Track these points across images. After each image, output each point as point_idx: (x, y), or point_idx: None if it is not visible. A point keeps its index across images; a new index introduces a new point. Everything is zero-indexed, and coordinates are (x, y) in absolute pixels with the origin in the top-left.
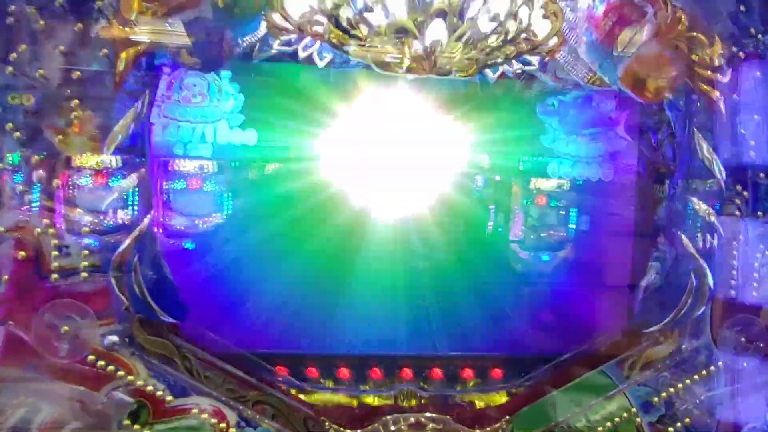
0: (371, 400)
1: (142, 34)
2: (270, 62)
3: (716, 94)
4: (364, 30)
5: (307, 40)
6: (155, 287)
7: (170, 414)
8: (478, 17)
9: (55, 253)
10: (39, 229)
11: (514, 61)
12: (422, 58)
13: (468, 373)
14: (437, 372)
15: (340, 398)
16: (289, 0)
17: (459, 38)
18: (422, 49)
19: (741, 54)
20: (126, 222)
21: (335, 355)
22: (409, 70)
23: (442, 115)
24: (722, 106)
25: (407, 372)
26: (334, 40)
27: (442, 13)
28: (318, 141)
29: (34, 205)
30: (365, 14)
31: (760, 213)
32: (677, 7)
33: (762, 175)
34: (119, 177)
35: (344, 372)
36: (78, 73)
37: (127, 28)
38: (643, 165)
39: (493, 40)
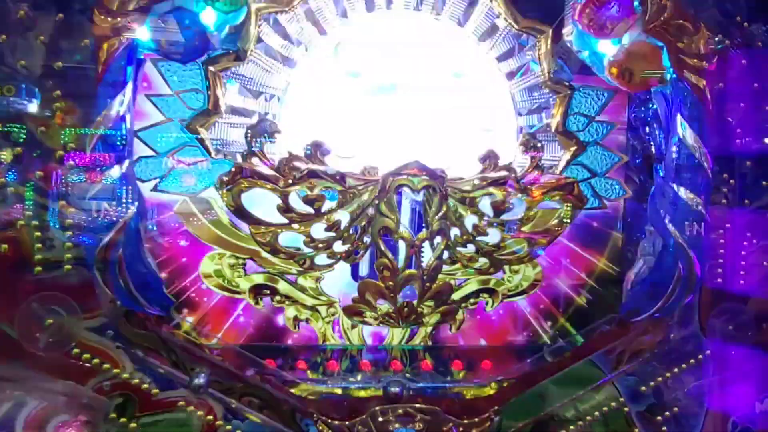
0: (360, 392)
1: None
2: None
3: (703, 82)
4: None
5: None
6: (140, 280)
7: (156, 407)
8: None
9: (39, 245)
10: (22, 222)
11: None
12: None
13: (457, 364)
14: (427, 364)
15: (329, 391)
16: None
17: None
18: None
19: (727, 42)
20: (110, 214)
21: (324, 347)
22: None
23: None
24: (708, 94)
25: (397, 364)
26: None
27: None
28: None
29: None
30: None
31: (747, 201)
32: None
33: (748, 163)
34: (102, 168)
35: (333, 364)
36: (60, 64)
37: (109, 19)
38: (632, 155)
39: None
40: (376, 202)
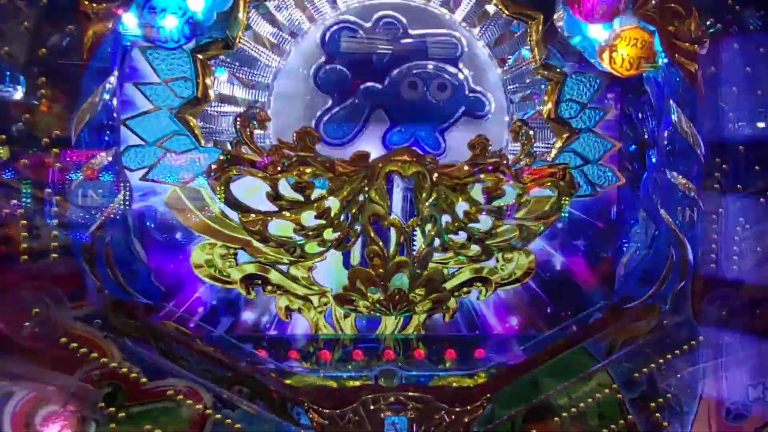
0: (352, 381)
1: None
2: None
3: (695, 66)
4: None
5: None
6: (128, 269)
7: (145, 396)
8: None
9: (25, 234)
10: (7, 210)
11: None
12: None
13: (450, 353)
14: (420, 353)
15: (321, 380)
16: None
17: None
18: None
19: (719, 26)
20: (97, 203)
21: (317, 337)
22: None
23: None
24: (701, 79)
25: (389, 353)
26: None
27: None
28: None
29: None
30: None
31: (740, 186)
32: None
33: (741, 148)
34: (89, 157)
35: (326, 354)
36: (44, 50)
37: (95, 4)
38: (624, 140)
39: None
40: (366, 188)
